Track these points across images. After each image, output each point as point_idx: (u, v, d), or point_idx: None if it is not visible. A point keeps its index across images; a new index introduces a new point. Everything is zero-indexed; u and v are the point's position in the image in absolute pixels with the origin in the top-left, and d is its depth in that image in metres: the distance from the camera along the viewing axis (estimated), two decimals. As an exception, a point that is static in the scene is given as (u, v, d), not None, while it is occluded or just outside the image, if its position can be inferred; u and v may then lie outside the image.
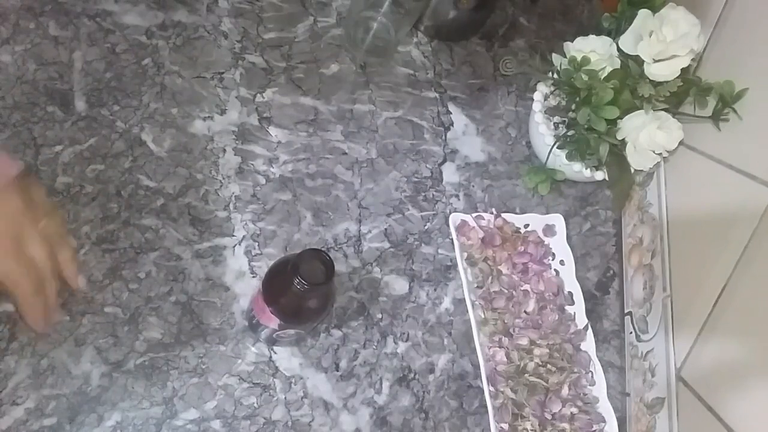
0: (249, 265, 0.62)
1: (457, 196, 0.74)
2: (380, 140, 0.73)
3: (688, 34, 0.67)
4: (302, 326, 0.56)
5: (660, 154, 0.73)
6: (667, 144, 0.71)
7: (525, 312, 0.69)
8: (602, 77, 0.72)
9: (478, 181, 0.76)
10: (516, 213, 0.75)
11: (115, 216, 0.60)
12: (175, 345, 0.57)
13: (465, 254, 0.70)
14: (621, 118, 0.71)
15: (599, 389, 0.68)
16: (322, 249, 0.50)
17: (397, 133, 0.74)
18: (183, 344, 0.58)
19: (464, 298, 0.67)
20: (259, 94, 0.70)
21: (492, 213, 0.73)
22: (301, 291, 0.49)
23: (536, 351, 0.67)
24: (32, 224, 0.49)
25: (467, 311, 0.66)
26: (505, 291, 0.70)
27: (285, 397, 0.59)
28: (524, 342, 0.67)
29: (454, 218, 0.71)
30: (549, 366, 0.66)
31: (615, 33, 0.74)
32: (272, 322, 0.54)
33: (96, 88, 0.64)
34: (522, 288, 0.71)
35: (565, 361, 0.67)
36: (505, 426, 0.63)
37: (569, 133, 0.74)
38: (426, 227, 0.71)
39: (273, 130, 0.69)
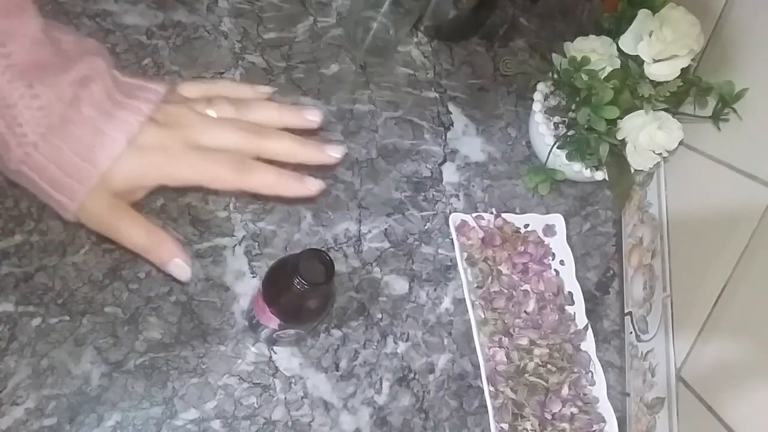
0: (249, 265, 0.62)
1: (457, 196, 0.74)
2: (380, 140, 0.73)
3: (688, 34, 0.67)
4: (302, 326, 0.56)
5: (660, 154, 0.73)
6: (667, 144, 0.71)
7: (525, 312, 0.69)
8: (602, 77, 0.72)
9: (478, 181, 0.76)
10: (516, 213, 0.75)
11: (115, 216, 0.60)
12: (175, 345, 0.57)
13: (465, 254, 0.70)
14: (621, 118, 0.71)
15: (599, 389, 0.68)
16: (322, 249, 0.50)
17: (397, 133, 0.74)
18: (183, 344, 0.58)
19: (464, 298, 0.67)
20: (259, 94, 0.70)
21: (492, 213, 0.73)
22: (301, 291, 0.49)
23: (536, 351, 0.67)
24: (201, 120, 0.45)
25: (467, 311, 0.66)
26: (505, 291, 0.70)
27: (285, 397, 0.59)
28: (524, 342, 0.67)
29: (454, 218, 0.71)
30: (549, 366, 0.66)
31: (615, 33, 0.74)
32: (272, 322, 0.54)
33: (96, 88, 0.63)
34: (522, 288, 0.71)
35: (565, 361, 0.67)
36: (505, 426, 0.63)
37: (569, 133, 0.74)
38: (426, 227, 0.71)
39: (273, 130, 0.69)
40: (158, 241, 0.44)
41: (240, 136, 0.45)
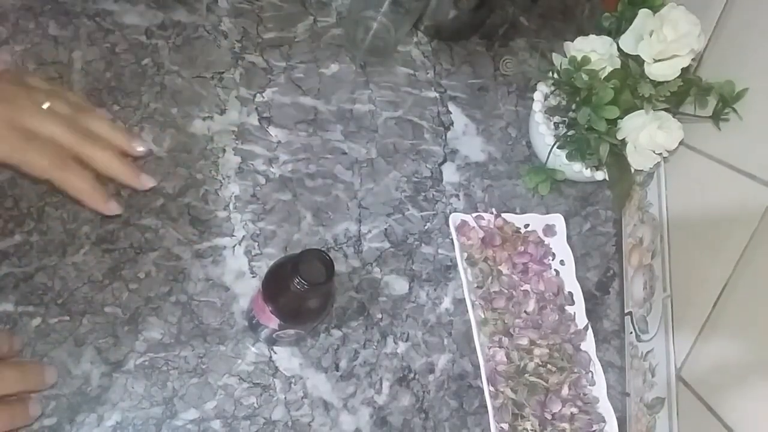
0: (249, 265, 0.62)
1: (457, 196, 0.74)
2: (380, 140, 0.73)
3: (688, 34, 0.67)
4: (302, 326, 0.56)
5: (660, 154, 0.73)
6: (668, 144, 0.71)
7: (525, 312, 0.69)
8: (602, 77, 0.72)
9: (478, 181, 0.76)
10: (516, 213, 0.75)
11: (115, 216, 0.60)
12: (175, 345, 0.57)
13: (465, 254, 0.70)
14: (621, 118, 0.71)
15: (599, 389, 0.68)
16: (323, 249, 0.50)
17: (397, 132, 0.74)
18: (183, 344, 0.58)
19: (464, 298, 0.67)
20: (258, 94, 0.70)
21: (492, 213, 0.73)
22: (301, 291, 0.49)
23: (536, 351, 0.67)
24: (34, 107, 0.46)
25: (467, 311, 0.66)
26: (505, 291, 0.70)
27: (285, 397, 0.59)
28: (524, 342, 0.67)
29: (454, 218, 0.71)
30: (549, 366, 0.66)
31: (615, 33, 0.74)
32: (272, 322, 0.54)
33: (96, 87, 0.63)
34: (522, 288, 0.71)
35: (565, 361, 0.67)
36: (505, 426, 0.63)
37: (569, 133, 0.74)
38: (426, 227, 0.71)
39: (273, 130, 0.69)
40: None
41: (65, 132, 0.47)
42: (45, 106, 0.47)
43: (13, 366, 0.49)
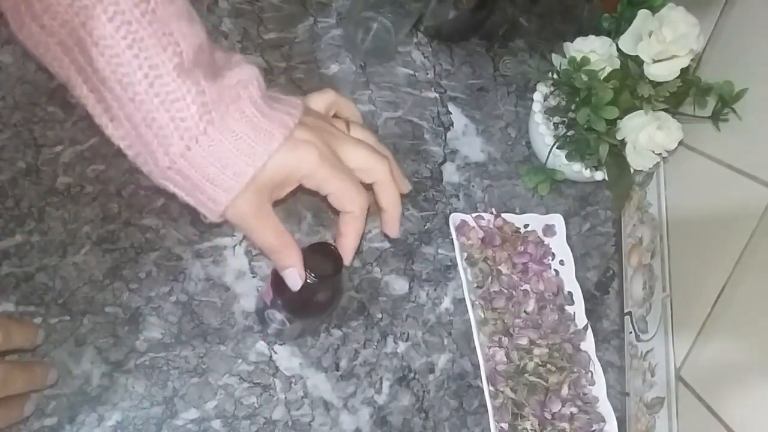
0: (249, 265, 0.62)
1: (457, 196, 0.74)
2: (380, 140, 0.73)
3: (687, 35, 0.67)
4: (311, 320, 0.56)
5: (659, 154, 0.73)
6: (667, 144, 0.71)
7: (525, 312, 0.69)
8: (602, 77, 0.72)
9: (478, 181, 0.76)
10: (516, 213, 0.75)
11: (116, 216, 0.60)
12: (175, 345, 0.58)
13: (465, 254, 0.70)
14: (621, 119, 0.72)
15: (599, 389, 0.68)
16: (332, 243, 0.51)
17: (397, 133, 0.75)
18: (183, 344, 0.58)
19: (464, 298, 0.67)
20: (259, 95, 0.70)
21: (492, 213, 0.73)
22: (311, 284, 0.49)
23: (536, 351, 0.67)
24: (338, 128, 0.49)
25: (467, 311, 0.66)
26: (505, 291, 0.70)
27: (285, 397, 0.59)
28: (524, 342, 0.67)
29: (454, 218, 0.71)
30: (549, 366, 0.66)
31: (615, 33, 0.74)
32: (281, 315, 0.54)
33: (96, 88, 0.64)
34: (522, 288, 0.71)
35: (565, 361, 0.67)
36: (505, 426, 0.63)
37: (569, 134, 0.74)
38: (426, 227, 0.71)
39: (273, 131, 0.69)
40: (284, 247, 0.47)
41: (373, 160, 0.49)
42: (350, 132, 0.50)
43: (25, 368, 0.50)
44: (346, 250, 0.50)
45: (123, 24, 0.38)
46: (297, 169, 0.44)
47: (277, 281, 0.53)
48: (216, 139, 0.41)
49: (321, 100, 0.52)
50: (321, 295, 0.53)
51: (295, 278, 0.48)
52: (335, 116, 0.54)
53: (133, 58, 0.38)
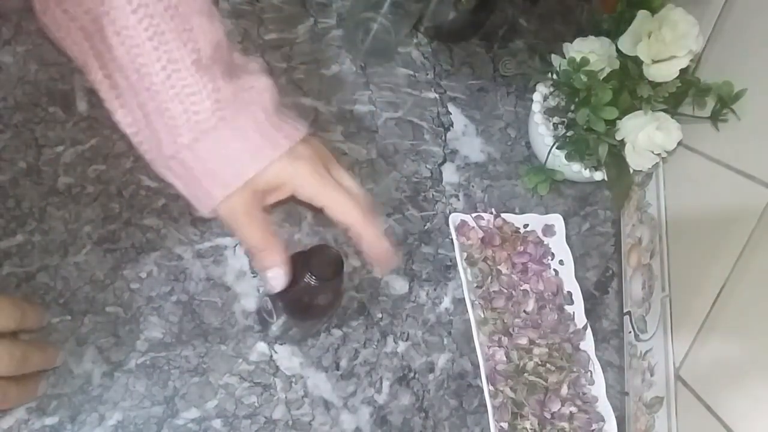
0: (250, 264, 0.63)
1: (456, 196, 0.74)
2: (380, 141, 0.73)
3: (686, 35, 0.67)
4: (312, 322, 0.56)
5: (659, 154, 0.73)
6: (666, 144, 0.71)
7: (524, 312, 0.69)
8: (601, 78, 0.72)
9: (477, 181, 0.76)
10: (515, 213, 0.75)
11: (117, 216, 0.60)
12: (176, 344, 0.58)
13: (465, 254, 0.71)
14: (620, 119, 0.72)
15: (598, 388, 0.68)
16: (333, 246, 0.51)
17: (397, 133, 0.75)
18: (184, 344, 0.58)
19: (464, 298, 0.67)
20: (259, 95, 0.70)
21: (492, 213, 0.73)
22: (312, 287, 0.49)
23: (535, 350, 0.67)
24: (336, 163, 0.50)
25: (467, 311, 0.67)
26: (505, 291, 0.70)
27: (285, 396, 0.59)
28: (524, 341, 0.67)
29: (454, 218, 0.71)
30: (548, 365, 0.67)
31: (614, 34, 0.74)
32: (282, 317, 0.54)
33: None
34: (521, 288, 0.71)
35: (565, 361, 0.67)
36: (505, 425, 0.63)
37: (568, 134, 0.74)
38: (426, 227, 0.71)
39: (273, 131, 0.69)
40: (268, 246, 0.47)
41: (356, 186, 0.50)
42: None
43: (40, 347, 0.51)
44: (377, 262, 0.50)
45: (146, 17, 0.39)
46: (292, 178, 0.46)
47: None
48: (225, 135, 0.42)
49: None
50: (322, 298, 0.53)
51: (275, 279, 0.48)
52: None
53: (152, 50, 0.39)
